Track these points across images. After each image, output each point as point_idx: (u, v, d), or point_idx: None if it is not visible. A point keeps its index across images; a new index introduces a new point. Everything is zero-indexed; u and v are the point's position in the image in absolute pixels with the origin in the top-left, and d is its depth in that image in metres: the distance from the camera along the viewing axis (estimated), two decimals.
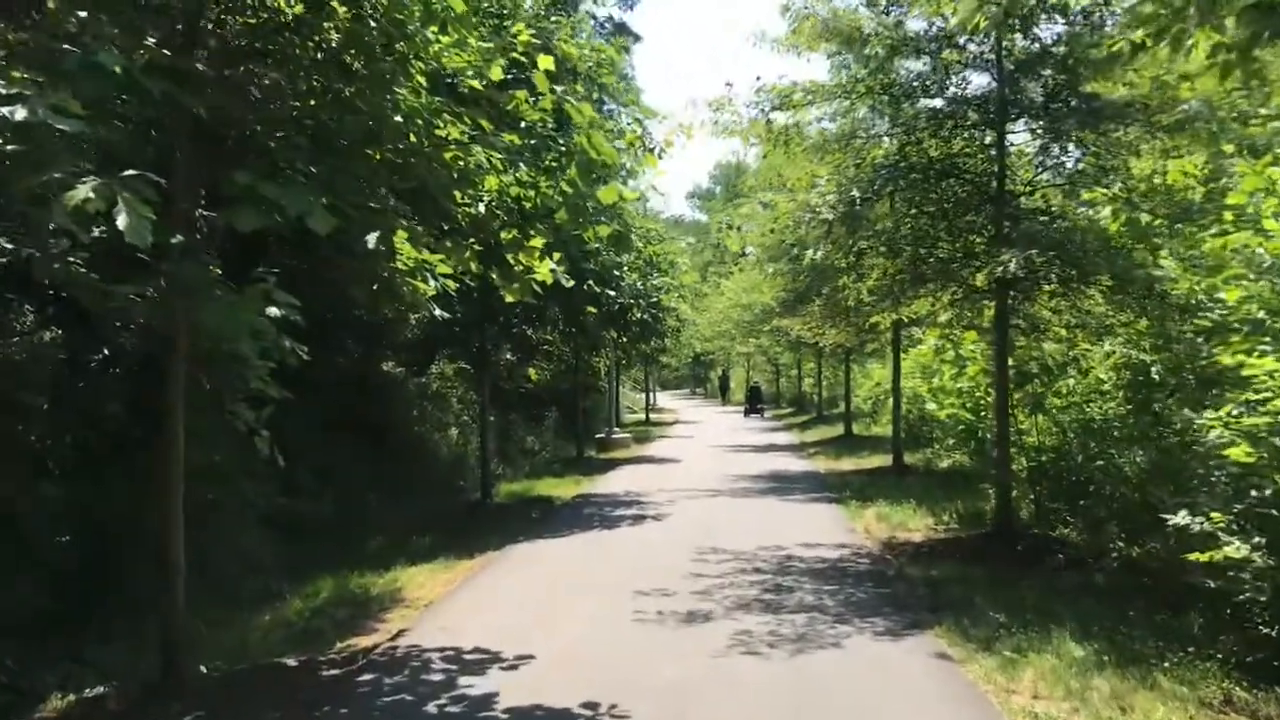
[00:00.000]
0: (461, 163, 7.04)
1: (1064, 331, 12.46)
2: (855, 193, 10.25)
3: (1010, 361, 12.98)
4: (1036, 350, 12.74)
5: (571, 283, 8.45)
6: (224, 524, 10.24)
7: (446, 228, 7.39)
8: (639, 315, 16.23)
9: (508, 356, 18.68)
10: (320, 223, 5.24)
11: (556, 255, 7.93)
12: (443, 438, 20.89)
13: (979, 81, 11.27)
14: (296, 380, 7.75)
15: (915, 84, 11.02)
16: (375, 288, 8.00)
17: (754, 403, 46.07)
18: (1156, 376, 11.74)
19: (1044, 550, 11.12)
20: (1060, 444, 12.89)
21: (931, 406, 14.83)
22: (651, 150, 11.94)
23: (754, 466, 21.49)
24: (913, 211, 11.16)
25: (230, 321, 5.69)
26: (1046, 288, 11.45)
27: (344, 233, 5.99)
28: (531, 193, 7.40)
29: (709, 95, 10.64)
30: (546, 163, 7.34)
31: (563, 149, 7.23)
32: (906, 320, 14.83)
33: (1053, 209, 10.78)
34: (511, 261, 7.63)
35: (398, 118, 6.29)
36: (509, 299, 8.05)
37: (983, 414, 14.46)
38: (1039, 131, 10.66)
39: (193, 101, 5.41)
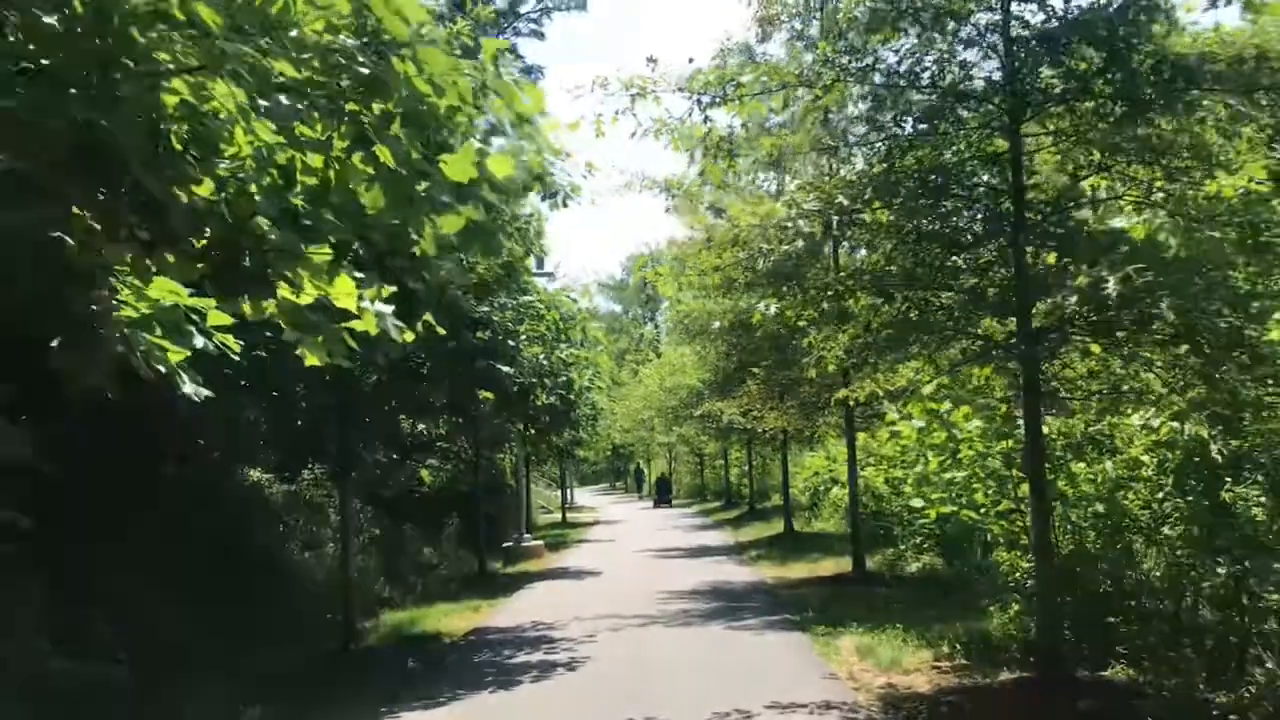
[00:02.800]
0: (177, 100, 3.81)
1: (1096, 401, 9.55)
2: (843, 199, 7.19)
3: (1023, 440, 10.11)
4: (1067, 425, 9.78)
5: (443, 332, 5.11)
6: None
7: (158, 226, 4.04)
8: (545, 399, 12.89)
9: (379, 457, 15.11)
10: None
11: (384, 290, 4.61)
12: (318, 558, 17.11)
13: (984, 68, 8.40)
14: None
15: (903, 69, 8.08)
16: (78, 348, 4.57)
17: (663, 494, 48.18)
18: (1219, 456, 8.88)
19: (1116, 702, 7.96)
20: (1088, 546, 9.92)
21: (918, 502, 11.70)
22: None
23: (689, 578, 18.04)
24: (910, 238, 8.12)
25: None
26: (1082, 340, 8.53)
27: None
28: (317, 160, 4.11)
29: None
30: (347, 106, 4.06)
31: (368, 78, 3.97)
32: (882, 394, 11.74)
33: (1093, 228, 7.83)
34: (287, 291, 4.29)
35: None
36: (310, 362, 4.68)
37: (984, 510, 11.37)
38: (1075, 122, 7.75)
39: None
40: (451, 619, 15.26)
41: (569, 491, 52.47)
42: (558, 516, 40.80)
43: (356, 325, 4.55)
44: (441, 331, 4.64)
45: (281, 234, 4.22)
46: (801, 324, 9.79)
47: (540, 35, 35.78)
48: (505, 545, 24.51)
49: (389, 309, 4.59)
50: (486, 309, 11.43)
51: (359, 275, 4.28)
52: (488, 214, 4.22)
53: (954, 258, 8.18)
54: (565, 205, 12.51)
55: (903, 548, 17.82)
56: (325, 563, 17.20)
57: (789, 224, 7.30)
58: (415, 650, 12.50)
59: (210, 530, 13.17)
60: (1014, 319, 8.24)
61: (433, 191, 4.22)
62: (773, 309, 9.43)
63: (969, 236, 8.16)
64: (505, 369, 11.11)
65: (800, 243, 7.60)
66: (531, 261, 18.44)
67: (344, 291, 4.41)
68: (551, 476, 46.85)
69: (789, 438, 24.07)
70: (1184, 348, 6.95)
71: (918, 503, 11.84)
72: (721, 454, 42.97)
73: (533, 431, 21.32)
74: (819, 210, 7.30)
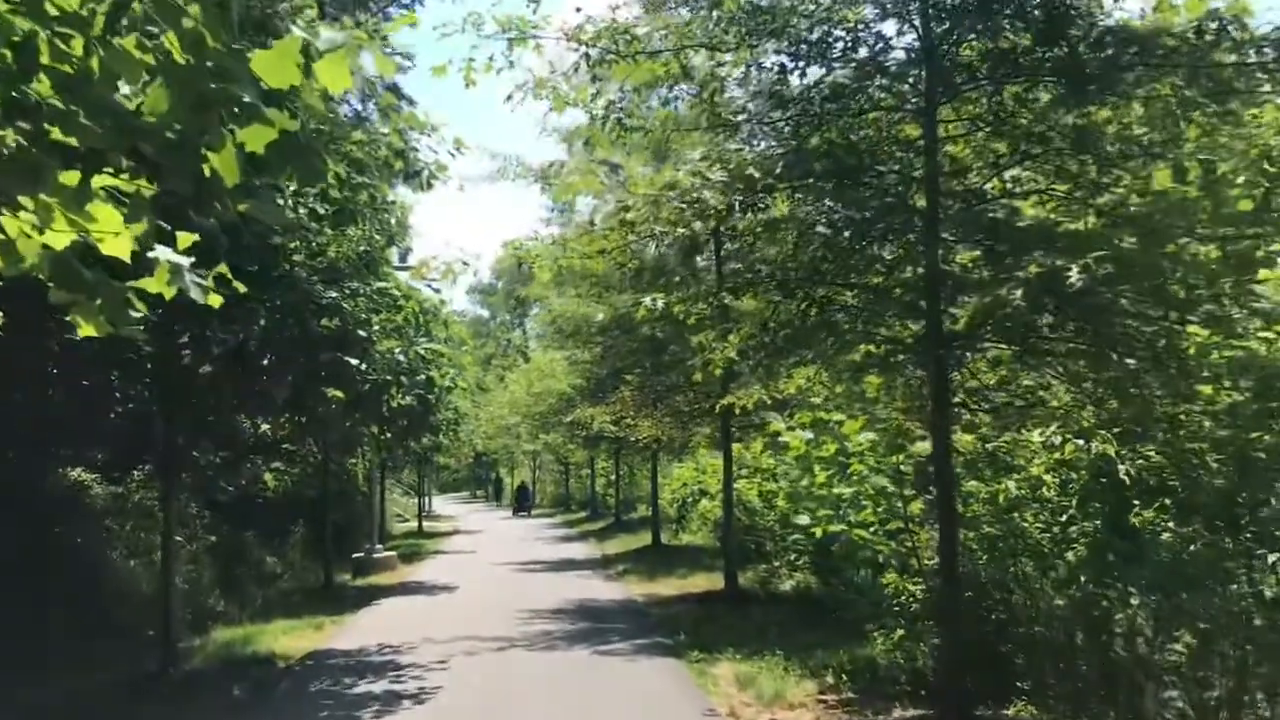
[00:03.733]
0: None
1: (1002, 413, 8.92)
2: (753, 171, 6.26)
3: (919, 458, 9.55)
4: (964, 442, 9.12)
5: (242, 289, 3.88)
6: None
7: None
8: (400, 398, 11.60)
9: (213, 457, 13.53)
10: None
11: (185, 239, 3.42)
12: (146, 566, 15.32)
13: (903, 41, 7.61)
14: None
15: (813, 37, 7.21)
16: None
17: (522, 502, 47.83)
18: (1127, 478, 8.40)
19: None
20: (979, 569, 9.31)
21: (803, 519, 10.91)
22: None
23: (552, 594, 16.91)
24: (816, 228, 7.27)
25: None
26: (995, 346, 7.87)
27: None
28: (76, 45, 2.92)
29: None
30: None
31: None
32: (769, 402, 10.94)
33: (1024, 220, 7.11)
34: (22, 225, 3.10)
35: None
36: (84, 332, 3.45)
37: (874, 529, 10.65)
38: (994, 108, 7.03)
39: None
40: (290, 638, 13.77)
41: (427, 500, 50.57)
42: (414, 525, 38.99)
43: (149, 285, 3.38)
44: (241, 288, 3.47)
45: (16, 140, 3.04)
46: (690, 321, 8.87)
47: None
48: (356, 556, 22.88)
49: (187, 261, 3.42)
50: (335, 294, 10.12)
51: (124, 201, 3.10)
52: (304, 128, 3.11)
53: (862, 251, 7.35)
54: (429, 187, 11.35)
55: (776, 564, 17.15)
56: (153, 572, 15.47)
57: (691, 197, 6.33)
58: (244, 675, 11.04)
59: (10, 534, 11.46)
60: (923, 321, 7.49)
61: (236, 92, 3.07)
62: (660, 303, 8.49)
63: (878, 228, 7.35)
64: (354, 362, 9.81)
65: (698, 224, 6.62)
66: (394, 254, 17.09)
67: (107, 228, 3.23)
68: (409, 484, 44.90)
69: (660, 447, 23.20)
70: (1113, 355, 6.25)
71: (803, 519, 11.06)
72: (588, 463, 41.95)
73: (388, 435, 19.90)
74: (725, 183, 6.36)
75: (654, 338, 15.99)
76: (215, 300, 3.37)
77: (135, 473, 15.49)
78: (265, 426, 12.52)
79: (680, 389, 16.86)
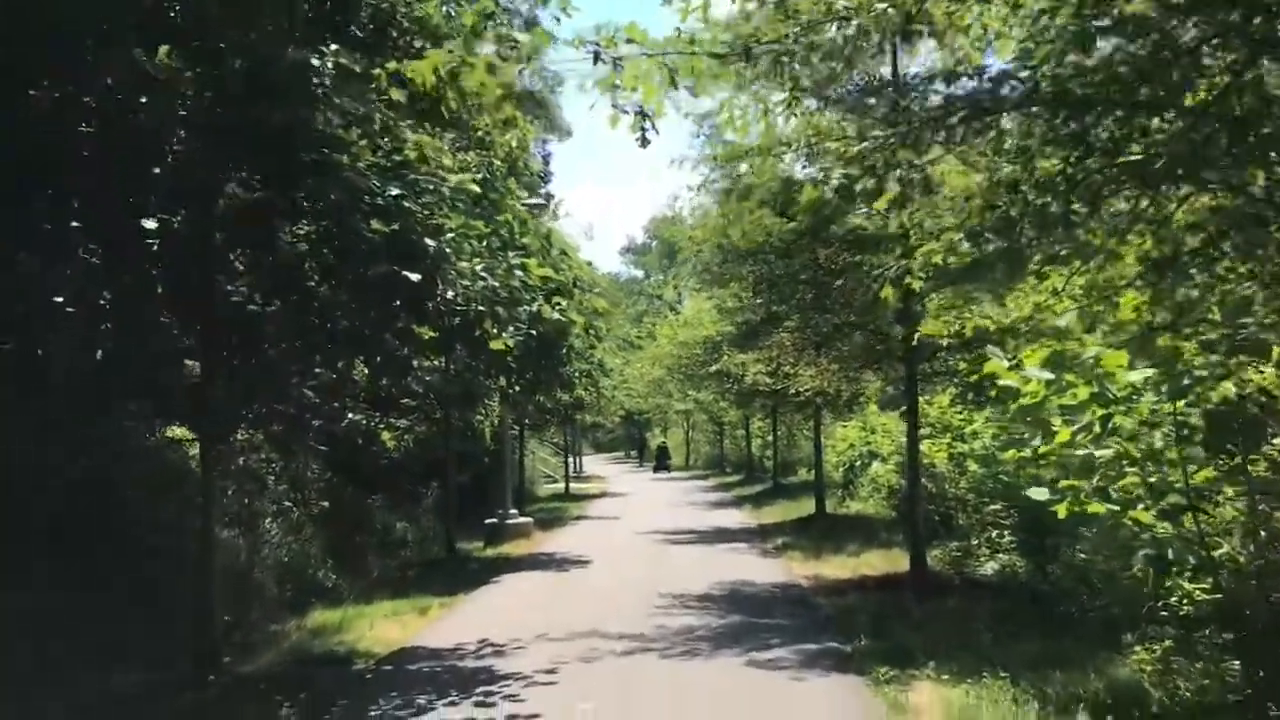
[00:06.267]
0: None
1: None
2: None
3: None
4: None
5: None
6: None
7: None
8: (492, 330, 8.95)
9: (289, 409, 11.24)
10: None
11: None
12: (244, 538, 13.43)
13: None
14: None
15: None
16: None
17: (661, 461, 51.45)
18: None
19: None
20: None
21: (1039, 493, 7.78)
22: None
23: (700, 575, 14.19)
24: None
25: None
26: None
27: None
28: None
29: None
30: None
31: None
32: (994, 329, 7.82)
33: None
34: None
35: None
36: None
37: (1143, 505, 7.44)
38: None
39: None
40: (387, 626, 11.56)
41: (577, 460, 48.82)
42: (562, 487, 37.02)
43: None
44: None
45: None
46: (877, 206, 5.91)
47: None
48: (489, 522, 20.76)
49: None
50: (396, 190, 7.54)
51: None
52: None
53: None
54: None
55: (974, 542, 13.92)
56: (254, 543, 13.57)
57: None
58: (305, 682, 8.75)
59: (70, 508, 9.48)
60: None
61: None
62: (835, 177, 5.58)
63: None
64: (414, 277, 7.22)
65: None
66: (514, 184, 14.62)
67: None
68: (556, 443, 43.00)
69: (825, 403, 20.12)
70: None
71: (1038, 492, 7.93)
72: (743, 423, 39.04)
73: (514, 389, 17.57)
74: None
75: (818, 265, 12.94)
76: None
77: (240, 433, 13.55)
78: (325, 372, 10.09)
79: (850, 329, 13.74)
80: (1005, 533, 13.47)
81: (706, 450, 54.57)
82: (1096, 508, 6.94)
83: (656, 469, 50.93)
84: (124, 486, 10.81)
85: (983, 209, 5.31)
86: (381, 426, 18.22)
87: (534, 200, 18.59)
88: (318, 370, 10.43)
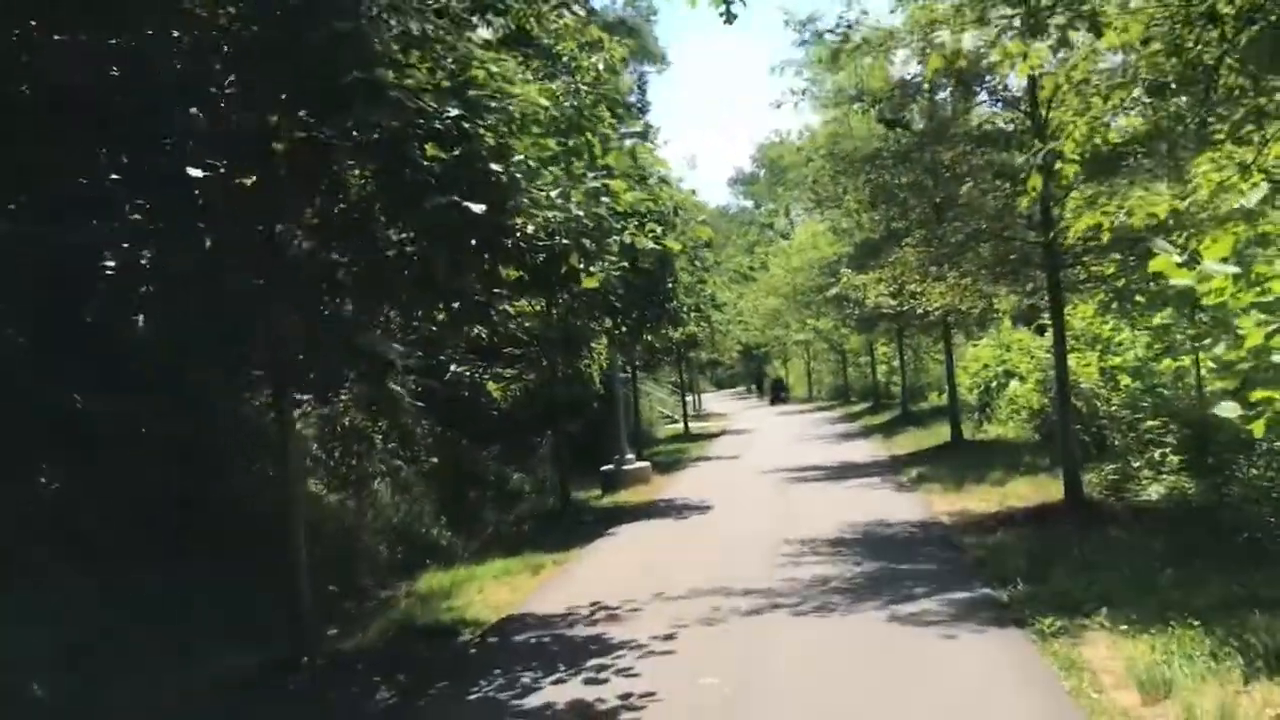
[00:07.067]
0: None
1: None
2: None
3: None
4: None
5: None
6: None
7: None
8: (577, 264, 7.98)
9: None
10: None
11: None
12: (353, 501, 13.03)
13: None
14: None
15: None
16: None
17: (777, 393, 54.09)
18: None
19: None
20: None
21: (1229, 409, 6.47)
22: None
23: (829, 515, 13.13)
24: None
25: None
26: None
27: None
28: None
29: None
30: None
31: None
32: (1162, 218, 6.47)
33: None
34: None
35: None
36: None
37: None
38: None
39: None
40: (497, 587, 10.93)
41: (696, 398, 47.96)
42: (681, 427, 36.22)
43: None
44: None
45: None
46: (1021, 70, 4.69)
47: None
48: (605, 469, 20.07)
49: None
50: (456, 109, 6.60)
51: None
52: None
53: None
54: None
55: (1134, 463, 12.47)
56: (362, 506, 13.13)
57: None
58: (406, 659, 8.12)
59: (185, 475, 9.03)
60: None
61: None
62: (966, 37, 4.39)
63: None
64: (478, 209, 6.28)
65: None
66: (604, 110, 13.47)
67: None
68: (672, 383, 42.15)
69: (955, 322, 18.65)
70: None
71: (1229, 409, 6.62)
72: (866, 349, 37.46)
73: (621, 329, 16.65)
74: None
75: (942, 167, 11.56)
76: None
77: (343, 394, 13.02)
78: (416, 323, 9.32)
79: (981, 237, 12.33)
80: (1169, 452, 12.04)
81: (830, 380, 53.09)
82: None
83: (773, 401, 52.73)
84: (215, 454, 10.37)
85: (1166, 53, 4.06)
86: (487, 378, 17.61)
87: (630, 130, 17.48)
88: (399, 320, 9.71)
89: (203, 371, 9.83)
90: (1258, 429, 6.09)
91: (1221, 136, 4.68)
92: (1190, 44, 4.09)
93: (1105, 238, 6.95)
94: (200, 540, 8.95)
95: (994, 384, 22.94)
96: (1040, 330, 18.09)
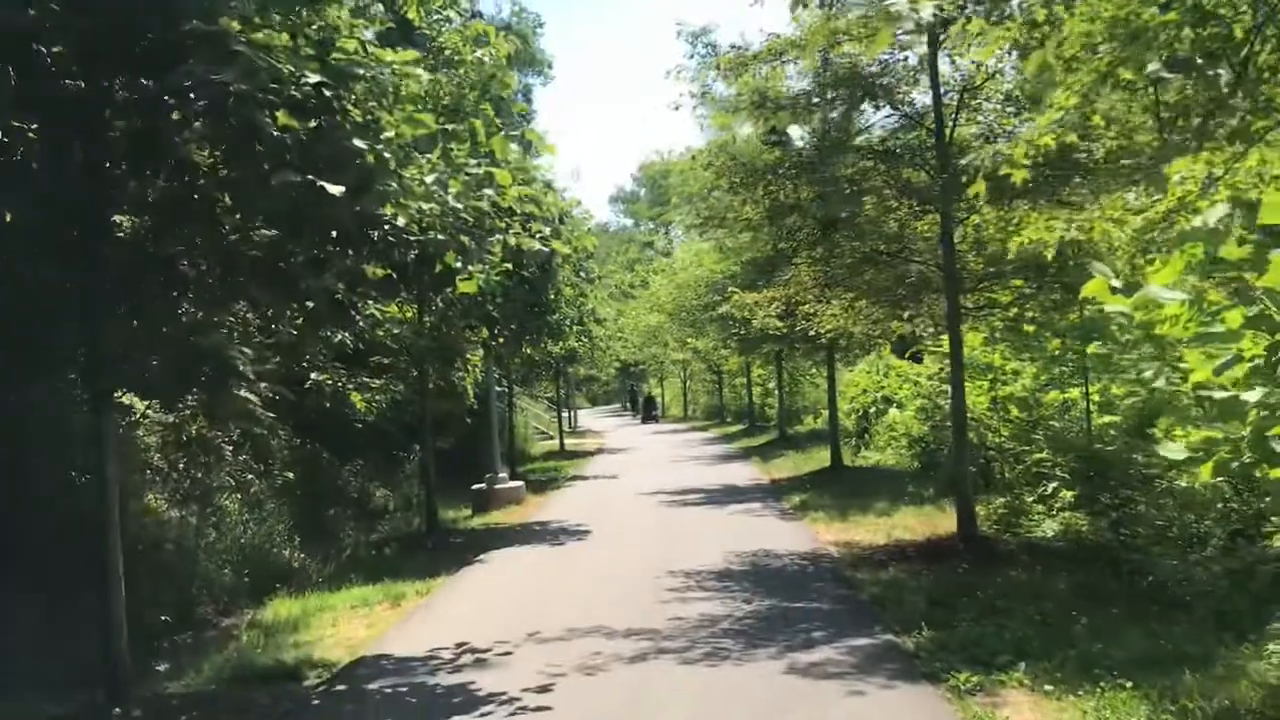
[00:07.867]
0: None
1: None
2: None
3: None
4: None
5: None
6: None
7: None
8: (454, 263, 7.04)
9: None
10: None
11: None
12: (194, 519, 11.70)
13: None
14: None
15: None
16: None
17: (649, 410, 53.65)
18: None
19: None
20: None
21: (1173, 450, 5.98)
22: None
23: (715, 543, 12.44)
24: None
25: None
26: None
27: None
28: None
29: None
30: None
31: None
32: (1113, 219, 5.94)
33: None
34: None
35: None
36: None
37: None
38: None
39: None
40: (351, 622, 9.84)
41: (571, 414, 47.07)
42: (557, 444, 35.25)
43: None
44: None
45: None
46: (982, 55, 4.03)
47: None
48: (477, 487, 18.99)
49: None
50: (316, 75, 5.61)
51: None
52: None
53: None
54: None
55: (1027, 498, 12.14)
56: (210, 525, 11.83)
57: None
58: (236, 709, 7.00)
59: None
60: None
61: None
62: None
63: None
64: (335, 191, 5.30)
65: None
66: (489, 108, 12.55)
67: None
68: (548, 398, 41.12)
69: (847, 344, 18.28)
70: None
71: (1171, 450, 6.16)
72: (743, 370, 37.24)
73: (499, 340, 15.68)
74: None
75: (843, 181, 11.01)
76: None
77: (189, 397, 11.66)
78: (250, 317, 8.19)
79: (881, 258, 11.83)
80: (1060, 486, 11.75)
81: (705, 400, 52.96)
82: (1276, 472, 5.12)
83: (644, 420, 52.28)
84: (27, 462, 9.02)
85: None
86: (351, 387, 16.38)
87: (514, 133, 16.53)
88: (257, 322, 8.59)
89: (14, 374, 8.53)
90: (1205, 472, 5.61)
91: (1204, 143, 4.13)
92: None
93: (1011, 254, 6.41)
94: (7, 563, 7.69)
95: (872, 409, 22.79)
96: (916, 358, 17.88)
